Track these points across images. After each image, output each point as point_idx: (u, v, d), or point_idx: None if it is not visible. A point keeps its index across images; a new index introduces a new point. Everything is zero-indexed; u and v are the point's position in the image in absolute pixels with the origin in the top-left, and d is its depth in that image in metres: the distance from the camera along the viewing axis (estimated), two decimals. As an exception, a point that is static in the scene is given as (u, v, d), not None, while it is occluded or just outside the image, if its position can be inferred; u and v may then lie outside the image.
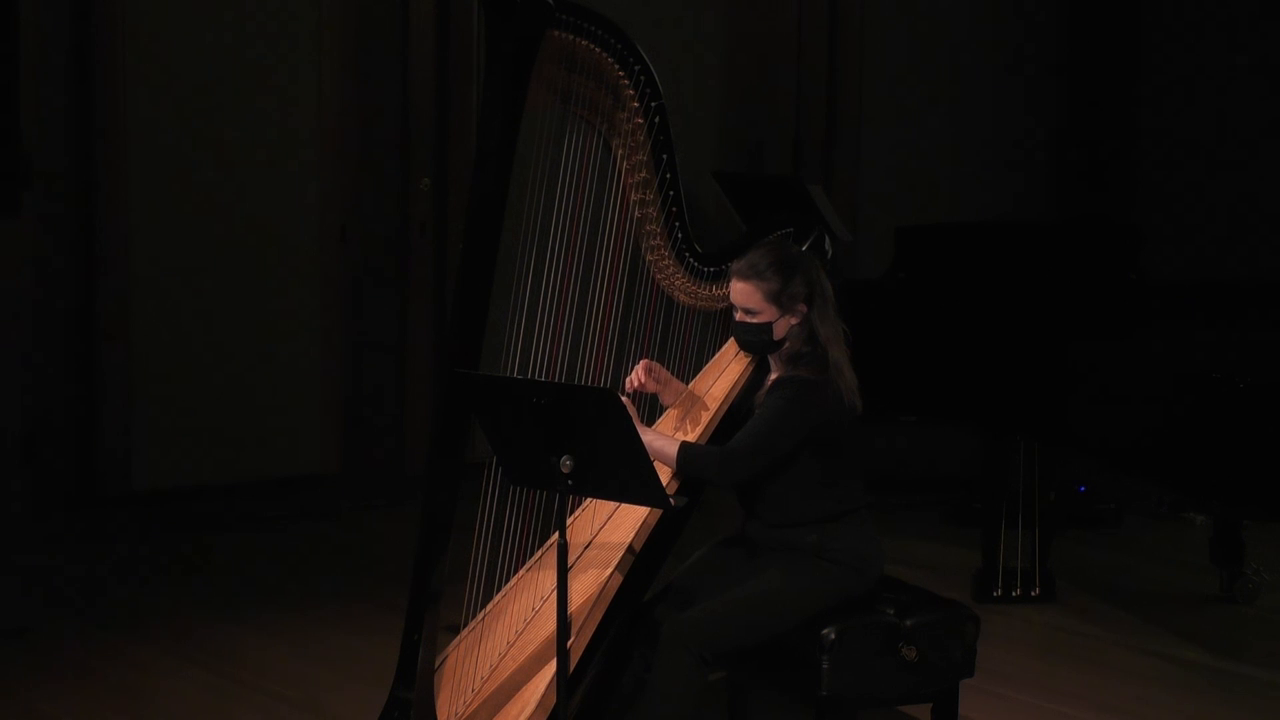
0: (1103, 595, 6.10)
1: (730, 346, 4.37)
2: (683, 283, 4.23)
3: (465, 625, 4.08)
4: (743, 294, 4.03)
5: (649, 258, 4.20)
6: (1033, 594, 5.95)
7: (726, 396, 4.25)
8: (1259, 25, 8.89)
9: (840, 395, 4.00)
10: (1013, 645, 5.51)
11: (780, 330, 4.04)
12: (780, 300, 4.02)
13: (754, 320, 4.04)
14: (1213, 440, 4.84)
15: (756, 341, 4.08)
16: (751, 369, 4.28)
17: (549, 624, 3.85)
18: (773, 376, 4.12)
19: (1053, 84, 9.46)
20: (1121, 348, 5.62)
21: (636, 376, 4.21)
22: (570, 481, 3.58)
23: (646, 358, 4.24)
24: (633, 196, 4.12)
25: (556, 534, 3.61)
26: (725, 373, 4.32)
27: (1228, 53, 9.01)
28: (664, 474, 3.91)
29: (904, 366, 5.96)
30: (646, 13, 7.65)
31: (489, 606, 4.10)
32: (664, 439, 4.04)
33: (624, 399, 3.77)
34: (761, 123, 8.52)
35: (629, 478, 3.61)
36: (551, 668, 3.78)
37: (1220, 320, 6.07)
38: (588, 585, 3.97)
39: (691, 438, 4.17)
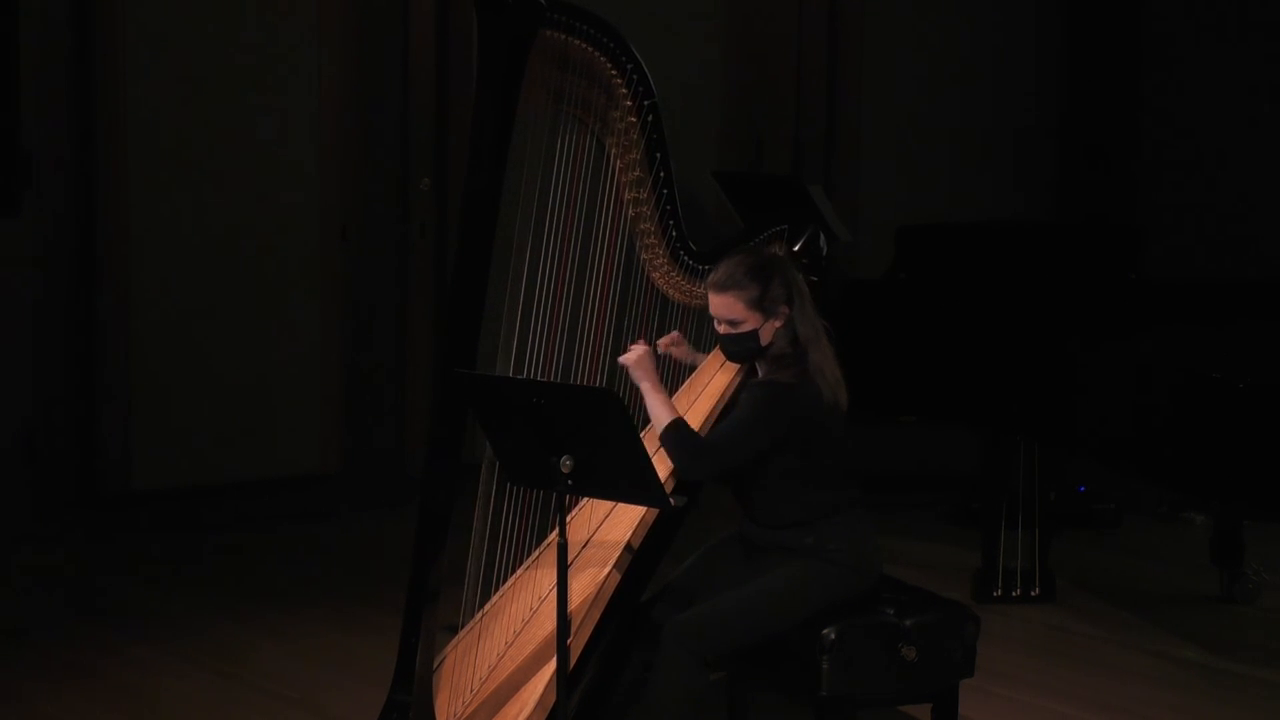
0: (1103, 595, 6.10)
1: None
2: (678, 280, 4.23)
3: (464, 625, 4.08)
4: (724, 306, 3.98)
5: (644, 256, 4.19)
6: (1033, 594, 5.94)
7: (722, 394, 4.24)
8: (1259, 25, 8.88)
9: (819, 394, 3.97)
10: (1013, 645, 5.51)
11: (767, 335, 4.01)
12: (763, 305, 3.97)
13: (739, 330, 4.00)
14: (1212, 440, 4.84)
15: (744, 350, 4.05)
16: (747, 365, 4.28)
17: (547, 623, 3.85)
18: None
19: (1053, 84, 9.46)
20: (1122, 348, 5.62)
21: (668, 342, 4.24)
22: (570, 481, 3.58)
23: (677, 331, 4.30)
24: (627, 195, 4.12)
25: (554, 533, 3.60)
26: (724, 368, 4.32)
27: (1228, 52, 9.00)
28: (663, 472, 3.91)
29: (904, 367, 5.96)
30: (646, 12, 7.64)
31: (487, 606, 4.09)
32: (669, 408, 4.00)
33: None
34: (761, 123, 8.51)
35: (628, 478, 3.61)
36: (551, 667, 3.78)
37: (1220, 320, 6.07)
38: (586, 584, 3.96)
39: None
